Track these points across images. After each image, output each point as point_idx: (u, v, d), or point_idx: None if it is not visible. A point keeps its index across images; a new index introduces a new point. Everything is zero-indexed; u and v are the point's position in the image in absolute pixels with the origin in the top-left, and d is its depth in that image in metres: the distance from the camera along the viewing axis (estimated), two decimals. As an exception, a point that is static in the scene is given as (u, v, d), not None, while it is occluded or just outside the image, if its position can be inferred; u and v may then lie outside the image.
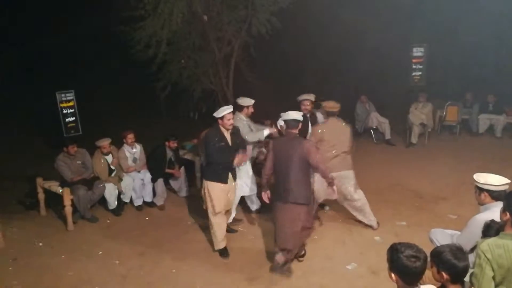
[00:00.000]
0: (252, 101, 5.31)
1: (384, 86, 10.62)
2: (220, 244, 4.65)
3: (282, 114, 4.38)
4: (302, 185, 4.08)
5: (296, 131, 4.20)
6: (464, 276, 2.33)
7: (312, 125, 5.40)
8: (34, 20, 10.57)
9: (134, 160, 6.16)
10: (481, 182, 3.20)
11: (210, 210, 4.60)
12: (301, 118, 4.23)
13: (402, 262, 2.10)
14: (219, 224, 4.62)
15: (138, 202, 6.10)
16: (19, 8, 10.55)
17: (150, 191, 6.17)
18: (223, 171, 4.53)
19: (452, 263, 2.26)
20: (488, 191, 3.18)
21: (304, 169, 4.08)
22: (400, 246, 2.15)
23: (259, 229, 5.29)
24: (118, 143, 6.15)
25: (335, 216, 5.56)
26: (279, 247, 4.14)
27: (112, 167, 5.94)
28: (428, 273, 2.38)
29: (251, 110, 5.32)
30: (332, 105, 5.00)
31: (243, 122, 5.22)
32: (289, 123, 4.19)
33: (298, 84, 9.93)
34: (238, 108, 5.23)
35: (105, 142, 5.84)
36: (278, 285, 4.10)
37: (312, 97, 5.48)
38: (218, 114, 4.50)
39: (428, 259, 2.25)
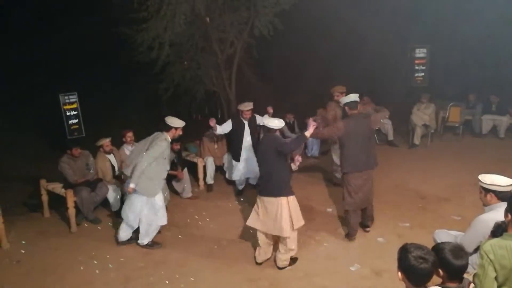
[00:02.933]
0: (183, 124, 4.81)
1: (386, 87, 10.60)
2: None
3: (342, 99, 4.90)
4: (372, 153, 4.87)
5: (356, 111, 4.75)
6: (461, 275, 2.33)
7: (251, 128, 6.18)
8: (36, 22, 10.62)
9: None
10: (487, 182, 3.20)
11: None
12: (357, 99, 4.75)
13: (409, 262, 2.12)
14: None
15: None
16: (21, 10, 10.59)
17: None
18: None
19: (448, 261, 2.27)
20: (494, 191, 3.18)
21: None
22: (410, 246, 2.17)
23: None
24: (120, 144, 6.19)
25: (337, 217, 5.55)
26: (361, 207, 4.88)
27: (115, 166, 5.97)
28: None
29: (179, 132, 4.80)
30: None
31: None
32: (350, 104, 4.72)
33: (300, 84, 9.94)
34: (165, 128, 4.73)
35: (105, 140, 5.89)
36: (280, 285, 4.10)
37: (251, 105, 6.10)
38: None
39: None
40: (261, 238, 4.40)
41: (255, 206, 4.39)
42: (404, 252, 2.17)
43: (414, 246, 2.17)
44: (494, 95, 9.06)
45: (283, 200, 4.15)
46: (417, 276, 2.13)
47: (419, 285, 2.16)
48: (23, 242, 5.18)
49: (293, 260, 4.44)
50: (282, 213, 4.13)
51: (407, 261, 2.13)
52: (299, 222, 4.27)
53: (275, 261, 4.42)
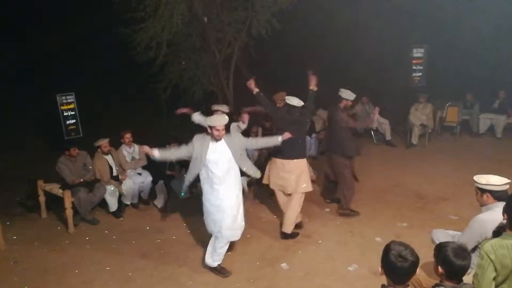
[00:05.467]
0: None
1: (384, 87, 10.62)
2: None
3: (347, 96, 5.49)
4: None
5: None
6: (461, 275, 2.33)
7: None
8: (34, 21, 10.59)
9: (133, 159, 6.23)
10: (483, 183, 3.21)
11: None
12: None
13: (389, 259, 2.14)
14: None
15: (134, 200, 6.20)
16: (19, 9, 10.56)
17: (148, 190, 6.26)
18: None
19: (449, 260, 2.28)
20: (490, 191, 3.19)
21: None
22: (394, 245, 2.19)
23: (259, 230, 5.29)
24: (118, 144, 6.18)
25: (336, 218, 5.57)
26: None
27: (113, 167, 5.97)
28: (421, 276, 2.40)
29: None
30: None
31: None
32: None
33: (299, 84, 9.92)
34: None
35: (104, 141, 5.87)
36: (279, 285, 4.10)
37: (224, 108, 5.67)
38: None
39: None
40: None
41: (275, 174, 4.95)
42: (386, 249, 2.20)
43: (397, 244, 2.19)
44: (503, 91, 8.99)
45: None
46: (397, 275, 2.16)
47: (399, 283, 2.18)
48: (21, 243, 5.16)
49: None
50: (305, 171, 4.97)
51: (387, 258, 2.16)
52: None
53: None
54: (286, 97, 4.99)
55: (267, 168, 5.18)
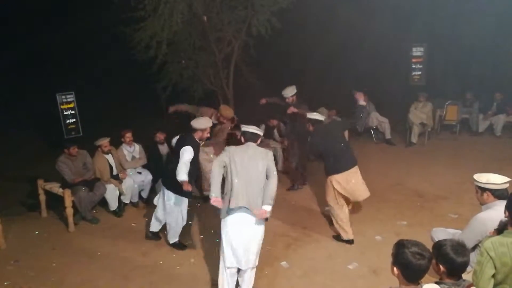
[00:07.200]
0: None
1: (384, 85, 10.62)
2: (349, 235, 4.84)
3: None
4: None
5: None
6: (462, 272, 2.35)
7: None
8: (34, 20, 10.59)
9: (133, 158, 6.24)
10: (483, 181, 3.21)
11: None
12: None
13: (407, 257, 2.13)
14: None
15: (134, 199, 6.20)
16: (19, 9, 10.55)
17: (148, 189, 6.26)
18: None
19: (450, 257, 2.29)
20: (490, 190, 3.20)
21: None
22: (407, 242, 2.19)
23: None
24: (118, 143, 6.19)
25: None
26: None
27: (113, 166, 5.97)
28: None
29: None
30: None
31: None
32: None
33: (298, 83, 9.94)
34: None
35: (105, 141, 5.87)
36: (279, 284, 4.11)
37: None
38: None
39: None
40: (346, 213, 4.86)
41: (336, 186, 4.75)
42: (401, 248, 2.18)
43: (411, 242, 2.19)
44: (499, 93, 8.99)
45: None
46: (413, 272, 2.15)
47: (413, 281, 2.17)
48: (21, 242, 5.17)
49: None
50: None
51: (404, 256, 2.14)
52: None
53: None
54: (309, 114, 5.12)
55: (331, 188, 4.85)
